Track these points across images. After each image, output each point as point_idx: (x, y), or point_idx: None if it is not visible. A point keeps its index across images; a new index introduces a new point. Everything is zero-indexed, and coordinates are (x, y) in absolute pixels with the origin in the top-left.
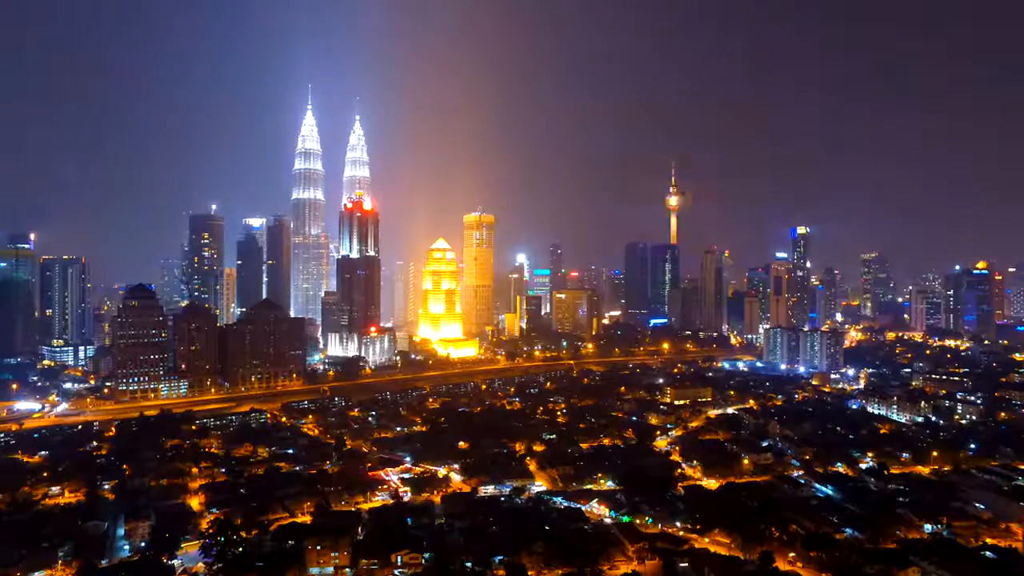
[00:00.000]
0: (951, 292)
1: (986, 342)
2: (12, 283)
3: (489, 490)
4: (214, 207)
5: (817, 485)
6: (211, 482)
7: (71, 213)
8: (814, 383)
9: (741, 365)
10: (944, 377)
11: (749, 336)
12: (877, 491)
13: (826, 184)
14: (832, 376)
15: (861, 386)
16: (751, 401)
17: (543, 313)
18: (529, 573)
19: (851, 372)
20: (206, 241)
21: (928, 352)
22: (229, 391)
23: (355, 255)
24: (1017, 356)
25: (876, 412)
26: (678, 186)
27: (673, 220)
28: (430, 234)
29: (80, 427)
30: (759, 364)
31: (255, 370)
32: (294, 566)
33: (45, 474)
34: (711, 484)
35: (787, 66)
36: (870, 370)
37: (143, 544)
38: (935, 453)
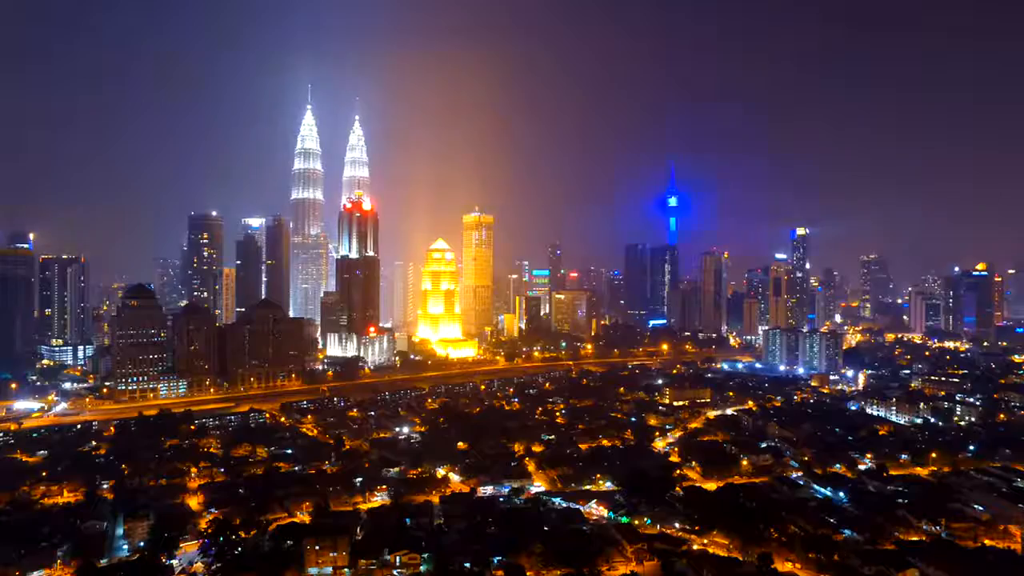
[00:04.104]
0: (950, 293)
1: (985, 344)
2: (11, 282)
3: (488, 491)
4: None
5: (816, 486)
6: (210, 482)
7: (71, 213)
8: (813, 384)
9: (740, 366)
10: (943, 379)
11: (748, 337)
12: (876, 492)
13: (826, 184)
14: (831, 377)
15: (860, 387)
16: (750, 402)
17: (542, 314)
18: (528, 574)
19: (850, 373)
20: (205, 241)
21: (927, 354)
22: (228, 391)
23: (354, 255)
24: (1016, 358)
25: (875, 413)
26: (678, 186)
27: (672, 221)
28: (429, 234)
29: (79, 427)
30: (758, 365)
31: (254, 370)
32: (293, 566)
33: (44, 474)
34: (710, 485)
35: (787, 66)
36: (869, 371)
37: (142, 544)
38: (934, 454)
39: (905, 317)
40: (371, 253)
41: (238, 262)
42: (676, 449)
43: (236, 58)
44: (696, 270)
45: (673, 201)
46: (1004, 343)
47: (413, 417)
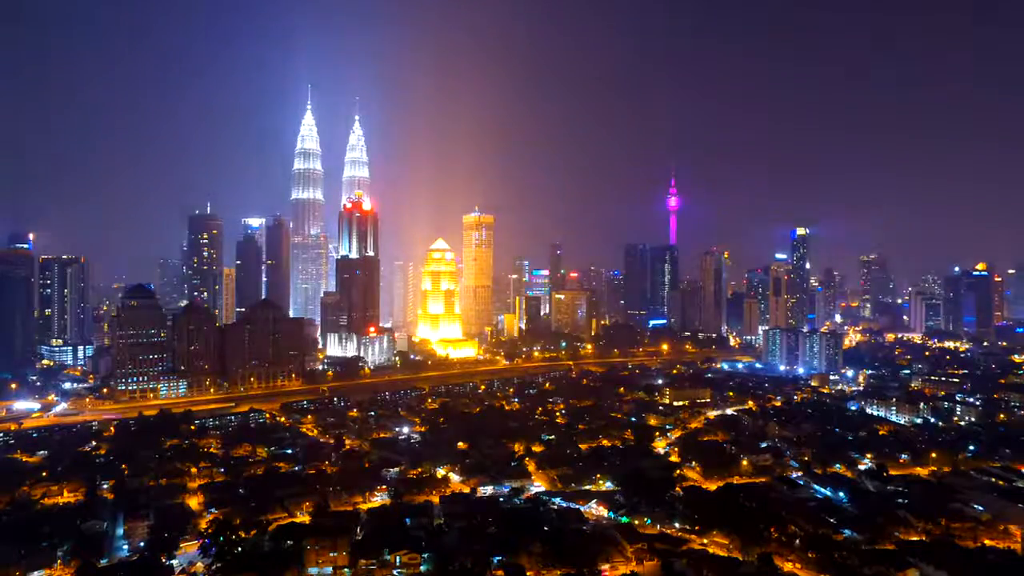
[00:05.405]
0: (950, 294)
1: (985, 344)
2: (11, 282)
3: (488, 490)
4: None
5: (816, 486)
6: (210, 482)
7: (70, 213)
8: (813, 384)
9: (740, 366)
10: (943, 379)
11: (748, 337)
12: (876, 492)
13: (826, 184)
14: (831, 377)
15: (860, 387)
16: (750, 402)
17: (542, 314)
18: (528, 574)
19: (850, 373)
20: (205, 241)
21: (927, 354)
22: (228, 391)
23: (354, 255)
24: (1016, 358)
25: (875, 413)
26: (677, 186)
27: (672, 221)
28: (429, 234)
29: (79, 427)
30: (758, 365)
31: (254, 370)
32: (293, 566)
33: (44, 474)
34: (710, 485)
35: (786, 66)
36: (869, 371)
37: (142, 544)
38: (934, 454)
39: (905, 317)
40: (371, 253)
41: (238, 262)
42: (676, 449)
43: (236, 58)
44: (696, 270)
45: (674, 201)
46: (1004, 343)
47: (413, 417)
